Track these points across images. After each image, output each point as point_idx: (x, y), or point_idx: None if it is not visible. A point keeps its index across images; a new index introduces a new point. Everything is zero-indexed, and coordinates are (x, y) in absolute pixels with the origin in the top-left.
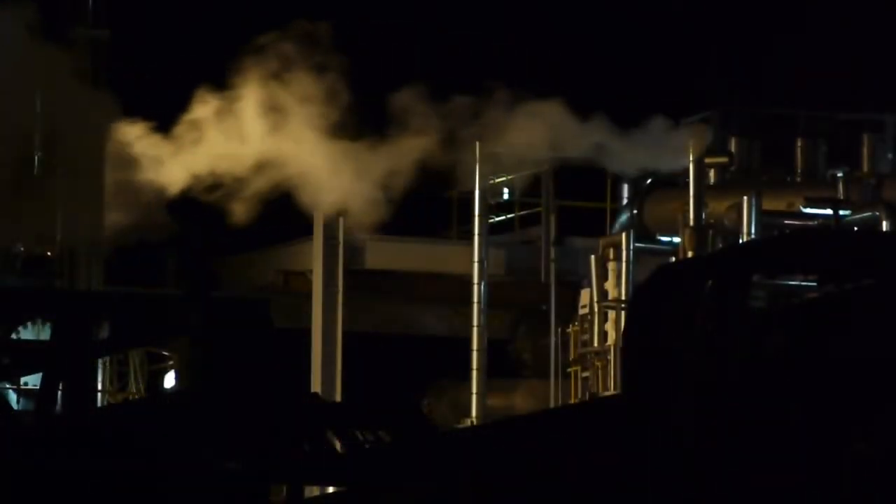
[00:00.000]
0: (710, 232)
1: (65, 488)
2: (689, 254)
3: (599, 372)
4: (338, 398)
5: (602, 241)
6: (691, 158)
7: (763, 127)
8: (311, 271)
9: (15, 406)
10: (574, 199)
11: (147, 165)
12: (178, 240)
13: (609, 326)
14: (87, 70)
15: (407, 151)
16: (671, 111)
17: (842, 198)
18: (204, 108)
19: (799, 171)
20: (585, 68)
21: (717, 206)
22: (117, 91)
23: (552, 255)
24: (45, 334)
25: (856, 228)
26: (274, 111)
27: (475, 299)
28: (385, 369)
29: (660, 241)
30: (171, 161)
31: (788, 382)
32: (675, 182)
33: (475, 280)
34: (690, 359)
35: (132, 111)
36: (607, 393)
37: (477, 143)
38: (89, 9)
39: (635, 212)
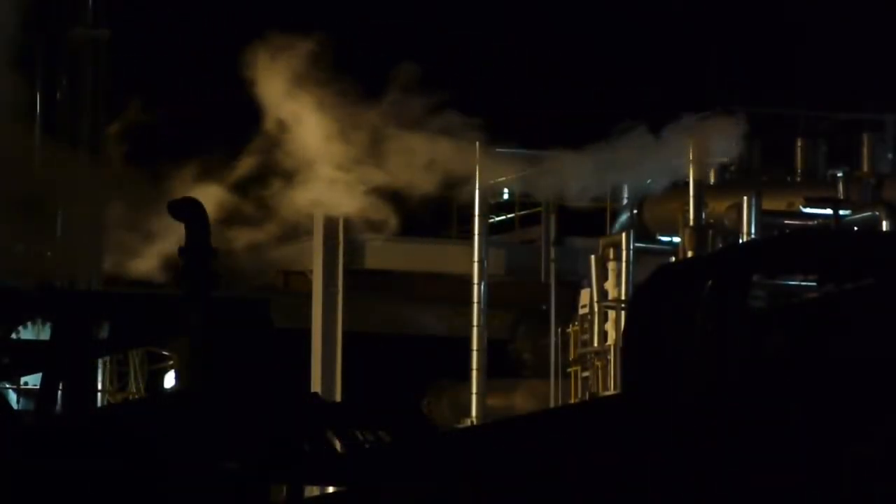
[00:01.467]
0: (710, 232)
1: (65, 488)
2: (689, 254)
3: (599, 372)
4: (338, 398)
5: (602, 241)
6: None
7: (763, 127)
8: (311, 271)
9: (15, 406)
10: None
11: None
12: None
13: (609, 326)
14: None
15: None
16: (671, 111)
17: (842, 198)
18: None
19: (799, 171)
20: (585, 68)
21: (717, 206)
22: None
23: (552, 255)
24: (45, 334)
25: (856, 228)
26: None
27: (475, 299)
28: (385, 369)
29: (660, 241)
30: None
31: (788, 382)
32: (675, 182)
33: (475, 280)
34: (690, 359)
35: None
36: (607, 393)
37: (477, 143)
38: (89, 9)
39: (635, 212)
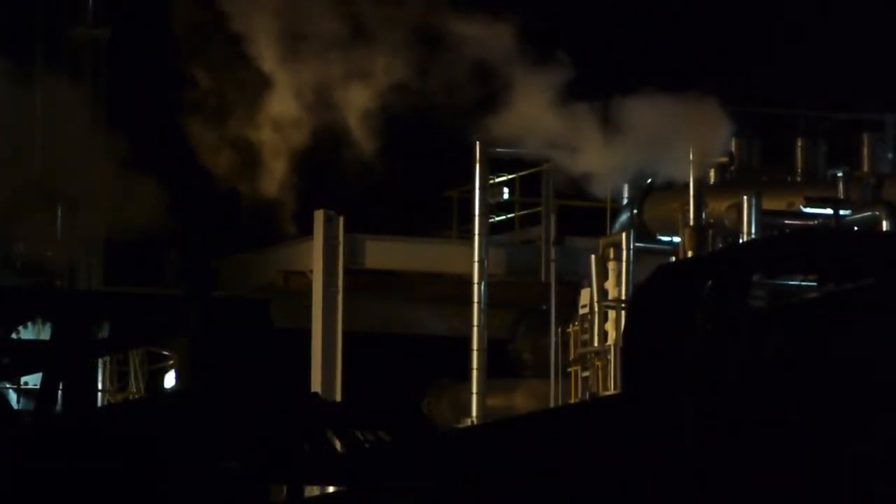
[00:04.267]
0: (710, 232)
1: (65, 488)
2: (689, 254)
3: (599, 372)
4: (338, 398)
5: (602, 241)
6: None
7: (763, 127)
8: (311, 271)
9: (15, 406)
10: (574, 199)
11: None
12: (179, 240)
13: (609, 326)
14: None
15: None
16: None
17: (842, 198)
18: None
19: (799, 171)
20: (585, 67)
21: (717, 206)
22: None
23: (552, 255)
24: (45, 334)
25: (856, 228)
26: None
27: (475, 299)
28: (385, 369)
29: (660, 241)
30: None
31: (788, 382)
32: (674, 182)
33: (475, 280)
34: (690, 359)
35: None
36: (607, 393)
37: (477, 143)
38: (89, 9)
39: (635, 212)
